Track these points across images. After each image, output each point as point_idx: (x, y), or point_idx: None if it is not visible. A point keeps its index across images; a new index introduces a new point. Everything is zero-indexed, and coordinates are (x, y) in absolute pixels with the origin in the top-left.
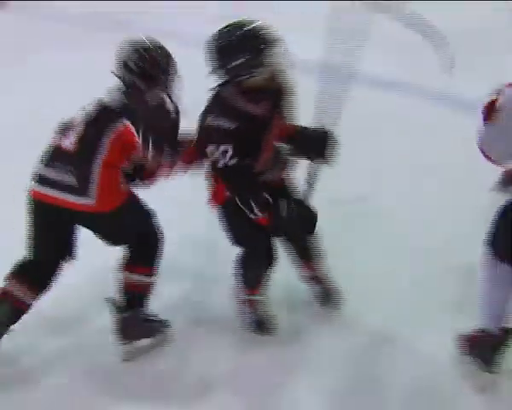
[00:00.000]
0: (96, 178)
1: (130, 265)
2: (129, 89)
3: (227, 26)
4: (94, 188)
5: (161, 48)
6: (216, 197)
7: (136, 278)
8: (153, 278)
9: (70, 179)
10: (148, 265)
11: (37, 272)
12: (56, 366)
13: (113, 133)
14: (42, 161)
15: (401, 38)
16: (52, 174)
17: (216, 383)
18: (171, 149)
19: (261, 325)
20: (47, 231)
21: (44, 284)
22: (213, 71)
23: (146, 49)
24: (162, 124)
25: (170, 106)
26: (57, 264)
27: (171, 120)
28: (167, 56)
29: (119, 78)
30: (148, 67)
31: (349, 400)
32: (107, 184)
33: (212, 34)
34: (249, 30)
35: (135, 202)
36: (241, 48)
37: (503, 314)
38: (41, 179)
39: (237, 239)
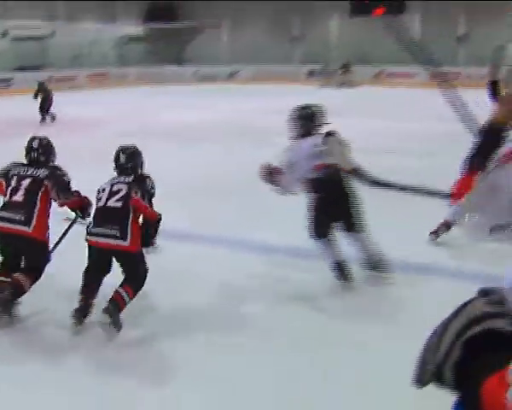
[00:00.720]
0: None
1: (127, 286)
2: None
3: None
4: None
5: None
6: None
7: (125, 295)
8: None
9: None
10: (135, 291)
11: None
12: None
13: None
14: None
15: None
16: (102, 230)
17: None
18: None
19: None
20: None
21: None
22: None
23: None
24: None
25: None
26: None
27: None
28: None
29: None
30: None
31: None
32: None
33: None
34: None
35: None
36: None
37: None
38: (92, 233)
39: None
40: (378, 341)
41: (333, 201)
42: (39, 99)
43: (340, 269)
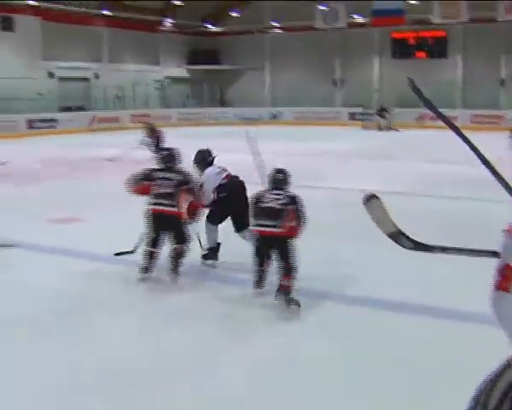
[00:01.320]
0: None
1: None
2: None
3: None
4: None
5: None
6: None
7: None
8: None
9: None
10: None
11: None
12: None
13: None
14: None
15: None
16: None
17: None
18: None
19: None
20: None
21: None
22: None
23: None
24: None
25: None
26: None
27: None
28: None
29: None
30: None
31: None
32: None
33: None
34: None
35: None
36: None
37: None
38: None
39: None
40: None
41: (230, 201)
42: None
43: (213, 251)
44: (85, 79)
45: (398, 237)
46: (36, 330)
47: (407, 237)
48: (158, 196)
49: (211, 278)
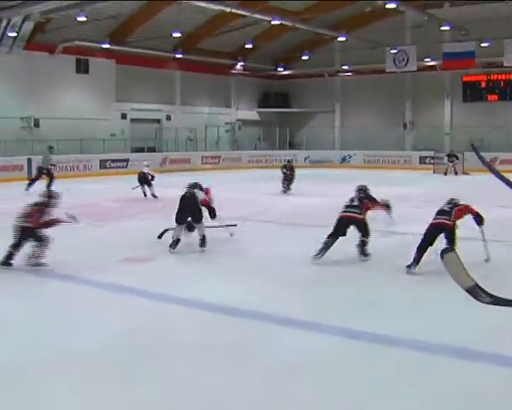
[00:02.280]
0: None
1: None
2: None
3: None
4: None
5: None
6: None
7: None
8: None
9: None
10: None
11: None
12: None
13: None
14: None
15: None
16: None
17: None
18: None
19: None
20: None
21: None
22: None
23: None
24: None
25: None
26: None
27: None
28: None
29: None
30: None
31: None
32: None
33: None
34: None
35: None
36: None
37: None
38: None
39: None
40: None
41: (183, 207)
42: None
43: (175, 242)
44: (157, 121)
45: (475, 291)
46: (101, 368)
47: (484, 292)
48: None
49: None
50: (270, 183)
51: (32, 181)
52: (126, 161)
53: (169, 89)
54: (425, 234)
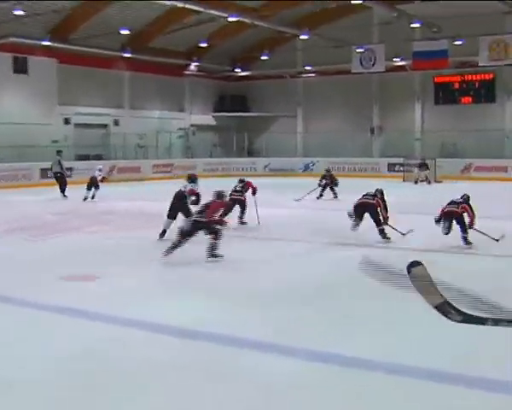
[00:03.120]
0: None
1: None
2: None
3: None
4: None
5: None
6: None
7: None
8: None
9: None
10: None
11: None
12: None
13: None
14: None
15: None
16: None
17: None
18: None
19: None
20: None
21: None
22: None
23: None
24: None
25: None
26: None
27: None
28: None
29: None
30: None
31: None
32: None
33: None
34: None
35: None
36: None
37: None
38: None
39: None
40: None
41: (174, 203)
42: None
43: (163, 233)
44: (104, 126)
45: (445, 309)
46: (51, 400)
47: (455, 309)
48: None
49: None
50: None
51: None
52: (70, 169)
53: (117, 91)
54: (443, 219)
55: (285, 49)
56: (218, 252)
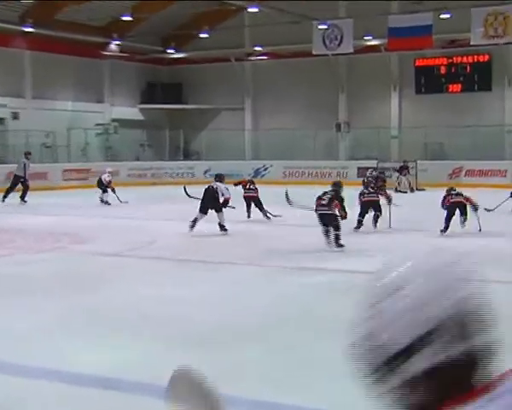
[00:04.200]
0: None
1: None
2: None
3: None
4: None
5: None
6: None
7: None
8: None
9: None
10: None
11: None
12: None
13: None
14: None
15: None
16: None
17: None
18: None
19: None
20: None
21: None
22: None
23: None
24: None
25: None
26: None
27: None
28: None
29: None
30: None
31: None
32: None
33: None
34: None
35: None
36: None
37: None
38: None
39: None
40: None
41: (206, 200)
42: None
43: (194, 222)
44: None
45: None
46: None
47: None
48: None
49: None
50: (161, 204)
51: (8, 191)
52: None
53: (16, 76)
54: (448, 210)
55: (229, 26)
56: (341, 242)
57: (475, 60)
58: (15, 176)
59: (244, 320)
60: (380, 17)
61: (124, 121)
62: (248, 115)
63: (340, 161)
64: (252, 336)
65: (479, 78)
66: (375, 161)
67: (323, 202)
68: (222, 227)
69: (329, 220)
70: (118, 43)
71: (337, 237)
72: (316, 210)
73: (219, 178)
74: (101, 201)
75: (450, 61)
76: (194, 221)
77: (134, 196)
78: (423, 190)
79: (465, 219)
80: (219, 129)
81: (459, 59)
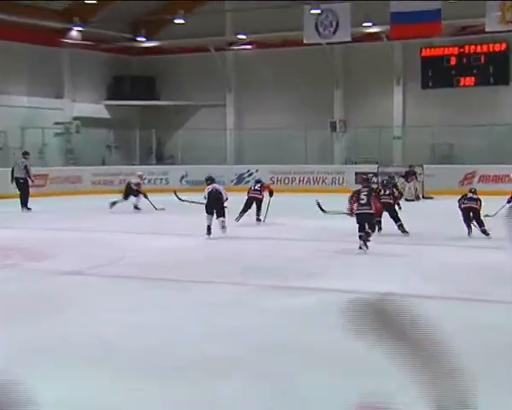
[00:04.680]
0: None
1: None
2: None
3: None
4: None
5: None
6: None
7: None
8: None
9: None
10: None
11: None
12: None
13: None
14: None
15: None
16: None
17: None
18: None
19: None
20: None
21: None
22: None
23: None
24: None
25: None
26: None
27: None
28: None
29: None
30: None
31: None
32: None
33: None
34: None
35: None
36: None
37: None
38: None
39: None
40: None
41: (211, 203)
42: None
43: (208, 229)
44: None
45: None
46: None
47: None
48: None
49: None
50: (131, 215)
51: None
52: None
53: None
54: (462, 214)
55: (208, 10)
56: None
57: (490, 49)
58: (17, 179)
59: (219, 349)
60: (381, 1)
61: (87, 120)
62: (230, 113)
63: (336, 166)
64: (228, 366)
65: (494, 70)
66: (376, 166)
67: (363, 202)
68: (223, 227)
69: (369, 219)
70: (80, 29)
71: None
72: (356, 210)
73: (211, 180)
74: (135, 207)
75: (462, 50)
76: (209, 228)
77: (99, 205)
78: (431, 198)
79: (473, 225)
80: (197, 128)
81: (472, 48)
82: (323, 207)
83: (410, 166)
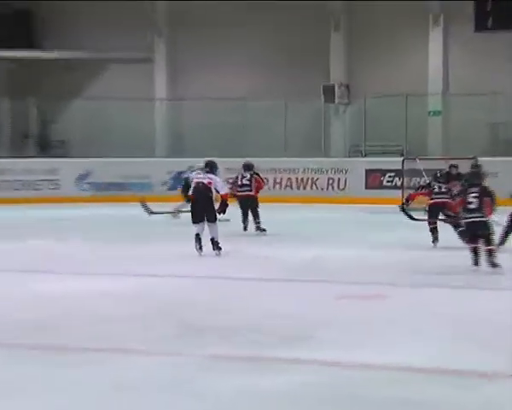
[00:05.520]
0: None
1: None
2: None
3: None
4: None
5: None
6: None
7: None
8: None
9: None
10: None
11: None
12: None
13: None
14: None
15: None
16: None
17: None
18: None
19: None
20: None
21: None
22: None
23: None
24: None
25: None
26: None
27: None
28: None
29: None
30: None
31: None
32: None
33: None
34: None
35: None
36: None
37: None
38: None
39: None
40: None
41: (198, 205)
42: None
43: (198, 239)
44: None
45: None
46: None
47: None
48: None
49: None
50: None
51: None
52: None
53: None
54: None
55: None
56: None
57: None
58: None
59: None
60: None
61: None
62: (161, 72)
63: (334, 159)
64: None
65: None
66: (400, 158)
67: (472, 206)
68: (216, 245)
69: (483, 230)
70: None
71: (491, 254)
72: (464, 218)
73: (210, 166)
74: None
75: None
76: (198, 240)
77: None
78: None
79: None
80: (106, 98)
81: None
82: (409, 213)
83: (451, 167)
